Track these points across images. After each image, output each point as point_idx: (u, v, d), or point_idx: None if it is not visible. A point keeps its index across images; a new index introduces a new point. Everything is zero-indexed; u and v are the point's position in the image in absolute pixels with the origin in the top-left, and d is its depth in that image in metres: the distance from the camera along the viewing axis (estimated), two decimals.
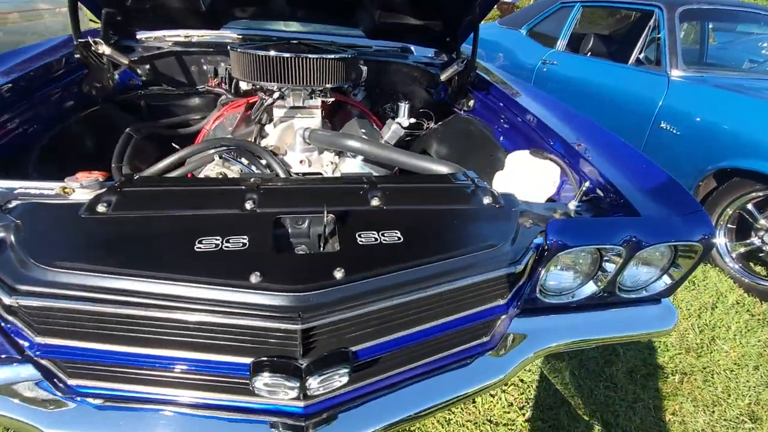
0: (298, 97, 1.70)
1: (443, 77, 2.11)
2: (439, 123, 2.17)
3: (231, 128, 1.73)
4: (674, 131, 3.01)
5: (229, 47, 1.66)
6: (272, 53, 1.52)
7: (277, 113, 1.74)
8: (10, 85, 1.43)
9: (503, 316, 1.17)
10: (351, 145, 1.56)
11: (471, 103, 2.11)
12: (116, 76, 1.90)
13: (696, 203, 1.29)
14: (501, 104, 1.93)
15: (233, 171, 1.43)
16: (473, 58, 2.00)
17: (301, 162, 1.65)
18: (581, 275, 1.21)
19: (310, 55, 1.54)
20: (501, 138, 1.87)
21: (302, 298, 0.84)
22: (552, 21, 4.49)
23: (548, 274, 1.15)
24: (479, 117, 2.05)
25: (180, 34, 2.17)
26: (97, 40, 1.73)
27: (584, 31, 4.33)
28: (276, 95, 1.67)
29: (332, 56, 1.59)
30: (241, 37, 2.18)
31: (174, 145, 1.70)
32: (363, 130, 1.77)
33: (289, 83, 1.57)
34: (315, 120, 1.76)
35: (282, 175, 1.39)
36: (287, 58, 1.52)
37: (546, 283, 1.18)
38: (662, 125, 3.08)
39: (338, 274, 0.88)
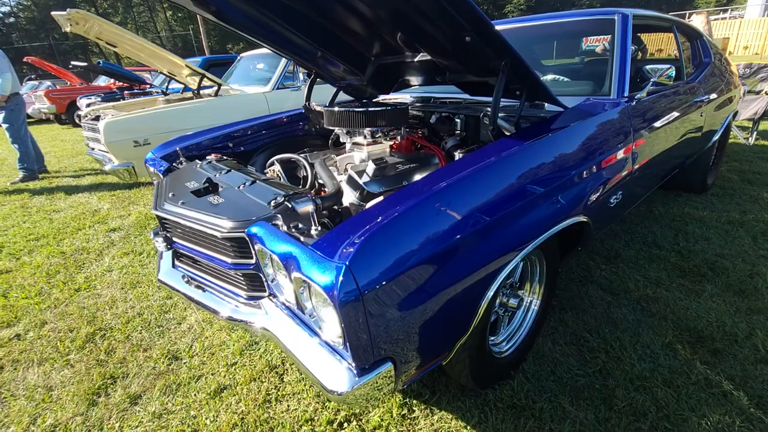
0: (344, 135, 2.06)
1: None
2: None
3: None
4: None
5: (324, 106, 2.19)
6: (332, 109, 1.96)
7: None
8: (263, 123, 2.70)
9: None
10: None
11: None
12: None
13: None
14: None
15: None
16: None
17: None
18: None
19: (354, 110, 1.90)
20: None
21: None
22: None
23: None
24: None
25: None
26: (312, 103, 2.66)
27: None
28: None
29: (360, 110, 1.87)
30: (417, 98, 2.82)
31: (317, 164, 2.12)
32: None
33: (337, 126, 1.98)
34: (361, 154, 2.03)
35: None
36: (337, 111, 1.91)
37: None
38: None
39: None
